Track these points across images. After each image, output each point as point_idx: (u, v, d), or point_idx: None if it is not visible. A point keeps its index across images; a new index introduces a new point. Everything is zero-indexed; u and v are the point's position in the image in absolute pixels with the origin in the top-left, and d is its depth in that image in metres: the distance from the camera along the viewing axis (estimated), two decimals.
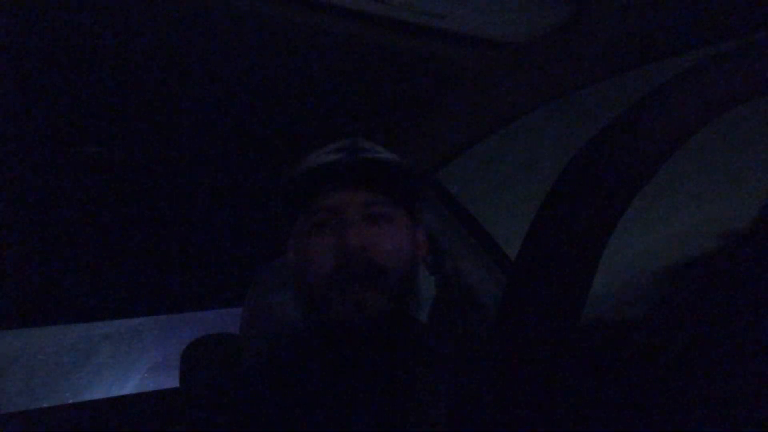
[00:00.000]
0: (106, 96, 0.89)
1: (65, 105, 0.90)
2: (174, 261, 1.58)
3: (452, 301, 1.03)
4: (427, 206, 1.13)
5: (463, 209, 1.17)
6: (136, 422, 1.45)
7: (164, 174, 1.19)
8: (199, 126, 1.04)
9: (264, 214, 1.46)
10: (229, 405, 0.59)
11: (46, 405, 1.41)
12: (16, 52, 0.74)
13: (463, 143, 1.07)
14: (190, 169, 1.20)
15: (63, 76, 0.81)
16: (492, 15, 0.71)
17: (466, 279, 1.09)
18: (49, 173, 1.09)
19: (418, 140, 1.09)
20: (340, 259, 0.57)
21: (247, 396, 0.59)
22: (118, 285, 1.59)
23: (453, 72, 0.89)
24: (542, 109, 0.95)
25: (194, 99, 0.93)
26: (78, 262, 1.43)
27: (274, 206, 1.43)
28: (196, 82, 0.88)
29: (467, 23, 0.73)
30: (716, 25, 0.64)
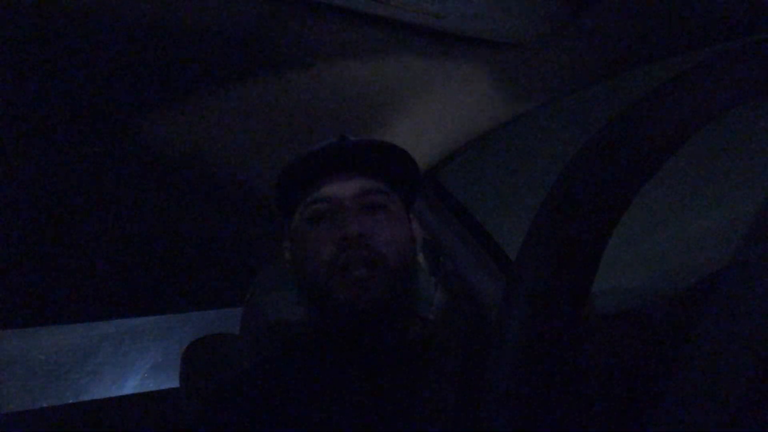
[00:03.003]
0: (105, 93, 0.89)
1: (64, 101, 0.90)
2: (174, 261, 1.58)
3: (453, 300, 1.03)
4: (427, 205, 1.13)
5: (463, 209, 1.17)
6: (136, 422, 1.45)
7: (164, 173, 1.19)
8: (200, 123, 1.03)
9: (264, 214, 1.46)
10: (228, 405, 0.59)
11: (46, 405, 1.41)
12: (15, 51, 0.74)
13: (463, 143, 1.07)
14: (191, 168, 1.20)
15: (65, 74, 0.81)
16: (492, 15, 0.71)
17: (466, 279, 1.09)
18: (48, 172, 1.09)
19: (417, 140, 1.09)
20: (340, 247, 0.57)
21: (246, 395, 0.59)
22: (118, 285, 1.59)
23: (453, 72, 0.89)
24: (542, 109, 0.95)
25: (193, 96, 0.93)
26: (78, 262, 1.43)
27: (271, 205, 1.43)
28: (194, 76, 0.88)
29: (467, 23, 0.73)
30: (716, 26, 0.64)
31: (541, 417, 0.24)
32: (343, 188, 0.61)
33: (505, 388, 0.25)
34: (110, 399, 1.50)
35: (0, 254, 1.31)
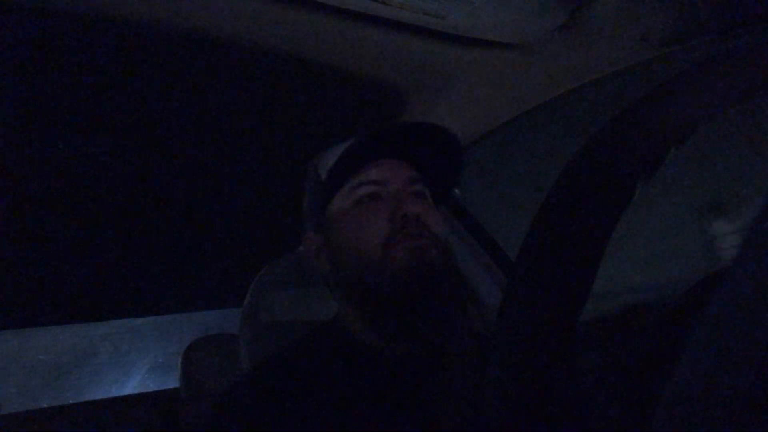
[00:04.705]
0: (107, 92, 0.89)
1: (67, 101, 0.90)
2: (174, 261, 1.58)
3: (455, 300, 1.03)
4: None
5: (464, 209, 1.17)
6: (136, 422, 1.45)
7: (164, 173, 1.19)
8: (200, 125, 1.03)
9: (264, 214, 1.46)
10: (239, 403, 0.58)
11: (46, 405, 1.41)
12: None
13: (463, 143, 1.07)
14: (191, 169, 1.20)
15: (66, 74, 0.81)
16: (492, 15, 0.71)
17: (467, 279, 1.09)
18: (49, 172, 1.09)
19: None
20: (398, 224, 0.58)
21: (262, 394, 0.58)
22: (118, 285, 1.59)
23: (453, 72, 0.89)
24: (542, 109, 0.95)
25: (195, 96, 0.93)
26: (78, 262, 1.43)
27: (271, 205, 1.43)
28: (195, 78, 0.88)
29: (467, 23, 0.73)
30: (716, 25, 0.64)
31: (538, 420, 0.24)
32: (395, 173, 0.62)
33: (504, 392, 0.25)
34: (110, 399, 1.50)
35: (0, 254, 1.31)
